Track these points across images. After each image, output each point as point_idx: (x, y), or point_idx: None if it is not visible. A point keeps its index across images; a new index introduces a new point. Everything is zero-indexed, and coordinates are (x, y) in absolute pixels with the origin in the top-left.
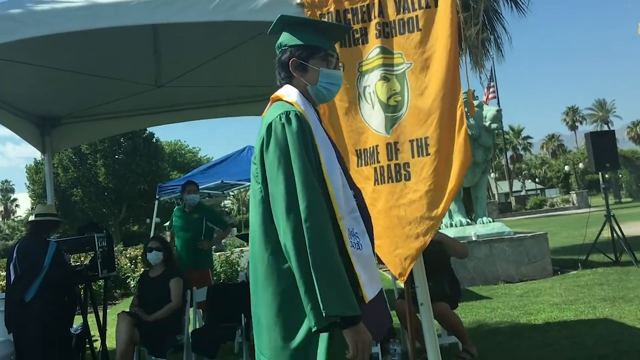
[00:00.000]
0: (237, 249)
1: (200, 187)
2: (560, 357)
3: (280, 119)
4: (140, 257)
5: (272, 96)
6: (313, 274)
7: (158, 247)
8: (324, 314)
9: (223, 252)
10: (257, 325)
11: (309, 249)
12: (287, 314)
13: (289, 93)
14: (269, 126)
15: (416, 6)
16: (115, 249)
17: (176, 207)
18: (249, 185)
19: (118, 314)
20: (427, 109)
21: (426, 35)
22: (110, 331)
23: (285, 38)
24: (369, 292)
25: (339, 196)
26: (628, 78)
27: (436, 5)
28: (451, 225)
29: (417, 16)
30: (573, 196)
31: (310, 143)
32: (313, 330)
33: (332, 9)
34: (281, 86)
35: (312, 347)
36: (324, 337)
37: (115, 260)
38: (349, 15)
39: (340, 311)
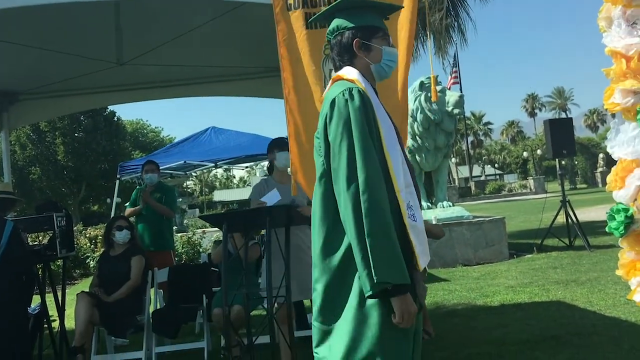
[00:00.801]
0: (199, 230)
1: (162, 167)
2: (515, 338)
3: (344, 95)
4: (100, 237)
5: (333, 77)
6: (367, 242)
7: (127, 225)
8: (375, 280)
9: (185, 233)
10: (315, 294)
11: (365, 219)
12: (342, 284)
13: (349, 72)
14: (332, 102)
15: None
16: (75, 228)
17: (137, 187)
18: (212, 167)
19: (77, 294)
20: (390, 97)
21: (389, 27)
22: (69, 311)
23: (342, 21)
24: (423, 262)
25: (398, 170)
26: (587, 67)
27: None
28: (428, 207)
29: None
30: (530, 182)
31: (372, 119)
32: (366, 295)
33: None
34: (340, 68)
35: (365, 314)
36: (376, 303)
37: (75, 240)
38: None
39: (391, 278)
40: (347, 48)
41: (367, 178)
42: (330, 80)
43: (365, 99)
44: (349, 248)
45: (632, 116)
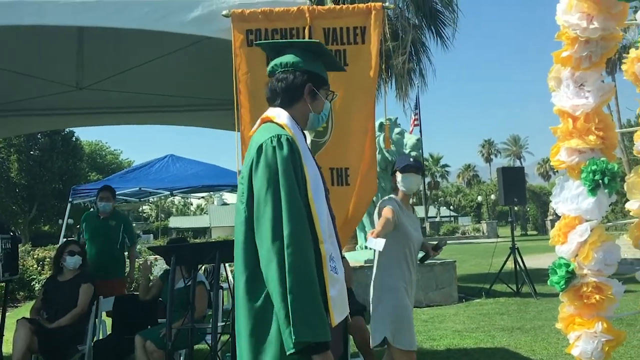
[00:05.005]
0: (152, 257)
1: (117, 192)
2: None
3: (272, 142)
4: (49, 259)
5: (262, 117)
6: (289, 300)
7: (79, 251)
8: (294, 339)
9: (138, 260)
10: (238, 339)
11: (288, 275)
12: (260, 334)
13: (279, 115)
14: (260, 148)
15: (345, 40)
16: (23, 248)
17: (87, 212)
18: (167, 194)
19: (17, 321)
20: (349, 141)
21: (352, 71)
22: (8, 336)
23: (297, 61)
24: (337, 317)
25: (323, 221)
26: (542, 117)
27: (363, 42)
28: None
29: (345, 50)
30: (483, 225)
31: (299, 168)
32: (287, 352)
33: (262, 26)
34: (274, 106)
35: None
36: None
37: (22, 261)
38: (277, 36)
39: (312, 337)
40: (295, 89)
41: (293, 232)
42: (259, 120)
43: (294, 147)
44: (268, 296)
45: (576, 174)
